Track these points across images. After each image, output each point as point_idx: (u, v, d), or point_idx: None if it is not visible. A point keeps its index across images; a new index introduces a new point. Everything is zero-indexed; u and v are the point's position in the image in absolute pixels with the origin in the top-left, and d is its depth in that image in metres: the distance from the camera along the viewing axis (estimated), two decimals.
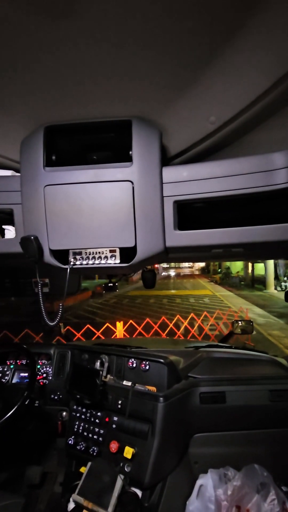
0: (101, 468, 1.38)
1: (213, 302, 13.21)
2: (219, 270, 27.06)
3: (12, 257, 1.07)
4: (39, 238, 0.94)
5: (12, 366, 1.86)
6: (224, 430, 1.60)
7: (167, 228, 0.91)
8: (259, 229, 0.86)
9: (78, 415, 1.61)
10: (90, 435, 1.52)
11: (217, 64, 0.70)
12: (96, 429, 1.51)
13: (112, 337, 6.05)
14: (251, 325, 2.25)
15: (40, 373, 1.83)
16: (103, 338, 5.76)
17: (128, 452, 1.34)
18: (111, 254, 0.97)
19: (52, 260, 0.97)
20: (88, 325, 6.34)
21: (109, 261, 0.97)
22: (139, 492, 1.33)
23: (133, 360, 1.59)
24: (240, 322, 2.26)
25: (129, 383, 1.50)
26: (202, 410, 1.54)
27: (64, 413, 1.73)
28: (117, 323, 6.42)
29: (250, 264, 21.19)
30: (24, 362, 1.87)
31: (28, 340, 6.10)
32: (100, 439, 1.48)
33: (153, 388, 1.48)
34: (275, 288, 17.00)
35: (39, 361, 1.88)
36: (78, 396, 1.54)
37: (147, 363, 1.55)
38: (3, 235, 1.06)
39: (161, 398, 1.37)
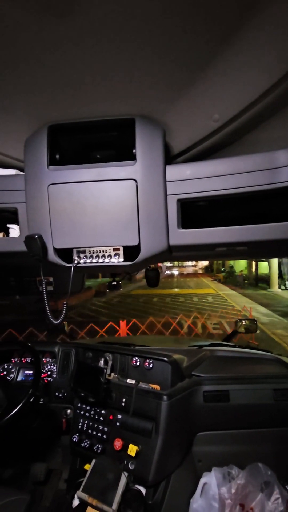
0: (105, 466, 1.39)
1: (217, 301, 13.18)
2: (223, 269, 26.96)
3: (17, 255, 1.08)
4: (43, 236, 0.95)
5: (17, 364, 1.88)
6: (228, 429, 1.60)
7: (170, 227, 0.91)
8: (263, 227, 0.86)
9: (82, 412, 1.62)
10: (94, 433, 1.53)
11: (219, 62, 0.70)
12: (100, 427, 1.52)
13: (116, 335, 6.07)
14: (254, 324, 2.24)
15: (44, 371, 1.85)
16: (106, 336, 5.79)
17: (132, 449, 1.35)
18: (114, 252, 0.97)
19: (56, 259, 0.98)
20: (91, 324, 6.37)
21: (112, 260, 0.97)
22: (143, 490, 1.34)
23: (136, 358, 1.60)
24: (243, 321, 2.25)
25: (133, 381, 1.51)
26: (206, 408, 1.54)
27: (69, 411, 1.74)
28: (121, 322, 6.43)
29: (253, 263, 21.09)
30: (28, 360, 1.88)
31: (33, 338, 6.15)
32: (104, 436, 1.49)
33: (156, 387, 1.48)
34: (279, 287, 16.90)
35: (44, 359, 1.89)
36: (82, 394, 1.55)
37: (150, 361, 1.55)
38: (7, 233, 1.07)
39: (165, 397, 1.37)
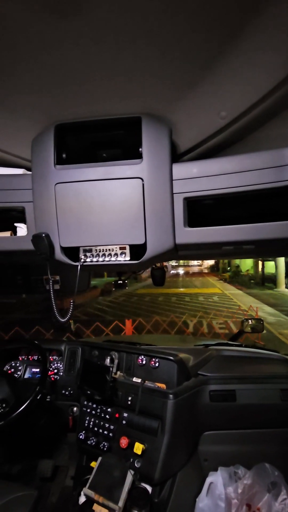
0: (111, 463, 1.39)
1: (223, 300, 13.10)
2: (229, 268, 26.79)
3: (24, 254, 1.09)
4: (50, 235, 0.96)
5: (24, 362, 1.90)
6: (234, 429, 1.60)
7: (177, 225, 0.91)
8: (271, 225, 0.85)
9: (88, 410, 1.63)
10: (101, 431, 1.53)
11: (228, 58, 0.70)
12: (106, 425, 1.53)
13: (121, 334, 6.09)
14: (261, 323, 2.22)
15: (51, 369, 1.86)
16: (112, 335, 5.80)
17: (138, 448, 1.35)
18: (121, 251, 0.97)
19: (63, 257, 0.98)
20: (97, 323, 6.40)
21: (119, 258, 0.97)
22: (149, 488, 1.34)
23: (142, 357, 1.60)
24: (250, 321, 2.24)
25: (139, 380, 1.51)
26: (212, 408, 1.54)
27: (75, 409, 1.76)
28: (126, 321, 6.45)
29: (260, 262, 20.90)
30: (35, 357, 1.90)
31: (39, 336, 6.21)
32: (110, 434, 1.50)
33: (162, 385, 1.48)
34: (286, 287, 16.71)
35: (50, 357, 1.91)
36: (88, 392, 1.56)
37: (156, 360, 1.55)
38: (15, 232, 1.08)
39: (171, 395, 1.37)
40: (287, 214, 0.86)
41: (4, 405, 1.37)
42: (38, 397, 1.42)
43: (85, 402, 1.66)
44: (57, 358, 1.90)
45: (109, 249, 0.98)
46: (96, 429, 1.56)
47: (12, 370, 1.87)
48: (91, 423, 1.59)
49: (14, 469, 1.96)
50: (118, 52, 0.68)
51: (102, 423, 1.55)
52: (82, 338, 2.36)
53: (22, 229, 1.08)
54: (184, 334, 6.60)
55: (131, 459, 1.38)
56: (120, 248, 0.98)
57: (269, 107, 0.80)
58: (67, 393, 1.78)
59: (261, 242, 0.90)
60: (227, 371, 1.65)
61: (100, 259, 0.98)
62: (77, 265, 0.99)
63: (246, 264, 23.61)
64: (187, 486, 1.43)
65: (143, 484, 1.35)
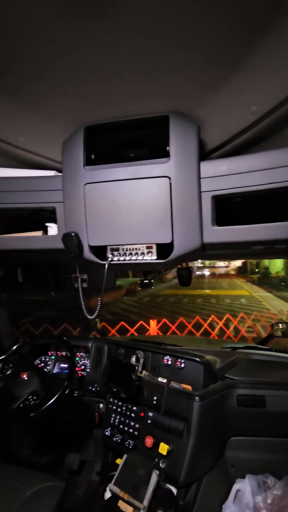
0: (136, 462, 1.40)
1: (251, 303, 12.64)
2: (257, 270, 25.80)
3: (54, 252, 1.13)
4: (79, 234, 0.99)
5: (53, 357, 1.97)
6: (263, 436, 1.53)
7: (204, 224, 0.89)
8: None
9: (114, 407, 1.66)
10: (126, 428, 1.55)
11: (259, 52, 0.67)
12: (132, 423, 1.54)
13: (145, 334, 6.11)
14: None
15: (78, 365, 1.92)
16: (136, 335, 5.85)
17: (163, 448, 1.34)
18: (147, 250, 0.98)
19: (91, 256, 1.01)
20: (122, 322, 6.48)
21: (145, 257, 0.98)
22: (173, 489, 1.33)
23: (168, 357, 1.59)
24: (280, 325, 2.14)
25: (164, 380, 1.50)
26: (240, 412, 1.49)
27: (101, 405, 1.79)
28: (151, 321, 6.46)
29: None
30: (64, 353, 1.97)
31: (67, 333, 6.42)
32: (136, 433, 1.51)
33: (188, 387, 1.46)
34: None
35: (78, 354, 1.96)
36: (114, 390, 1.58)
37: (182, 361, 1.53)
38: (46, 232, 1.12)
39: (197, 397, 1.35)
40: None
41: (35, 397, 1.43)
42: (66, 392, 1.46)
43: (111, 399, 1.69)
44: (84, 355, 1.95)
45: (136, 248, 0.99)
46: (121, 426, 1.58)
47: (42, 364, 1.95)
48: (117, 420, 1.61)
49: (42, 460, 2.04)
50: (146, 54, 0.68)
51: (127, 421, 1.57)
52: (108, 337, 2.40)
53: (52, 229, 1.13)
54: (210, 336, 6.47)
55: (156, 459, 1.38)
56: (147, 247, 0.98)
57: None
58: (93, 389, 1.82)
59: None
60: (255, 375, 1.59)
61: (127, 258, 0.99)
62: (105, 264, 1.01)
63: (276, 265, 22.58)
64: (213, 491, 1.39)
65: (168, 485, 1.34)
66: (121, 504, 1.30)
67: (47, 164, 1.10)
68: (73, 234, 0.98)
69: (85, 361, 1.92)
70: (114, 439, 1.56)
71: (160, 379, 1.53)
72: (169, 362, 1.58)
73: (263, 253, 1.13)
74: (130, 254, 0.99)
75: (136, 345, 1.75)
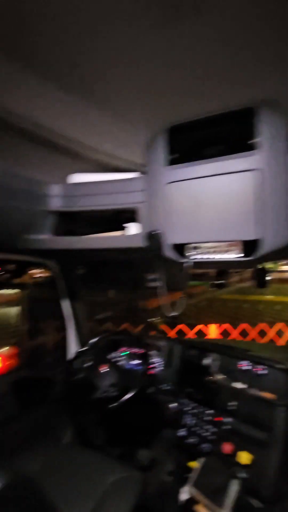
0: (214, 467, 1.36)
1: None
2: None
3: (134, 251, 1.18)
4: (160, 233, 1.01)
5: (124, 354, 2.05)
6: None
7: None
8: None
9: (187, 409, 1.63)
10: (201, 432, 1.51)
11: None
12: (207, 427, 1.50)
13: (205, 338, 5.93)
14: None
15: (151, 364, 1.95)
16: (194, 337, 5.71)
17: (244, 457, 1.27)
18: (230, 247, 0.95)
19: (171, 254, 1.02)
20: (183, 325, 6.40)
21: (228, 255, 0.95)
22: (256, 504, 1.24)
23: (246, 362, 1.51)
24: None
25: (244, 386, 1.43)
26: None
27: (173, 405, 1.79)
28: (212, 325, 6.25)
29: None
30: (135, 351, 2.03)
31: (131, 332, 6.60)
32: (212, 437, 1.46)
33: (269, 395, 1.36)
34: None
35: (150, 352, 2.00)
36: (187, 391, 1.56)
37: (262, 367, 1.44)
38: (128, 231, 1.18)
39: (282, 408, 1.24)
40: None
41: (113, 389, 1.51)
42: (140, 388, 1.50)
43: (185, 401, 1.67)
44: (156, 353, 1.98)
45: (218, 246, 0.97)
46: (196, 429, 1.54)
47: (115, 359, 2.05)
48: (191, 422, 1.58)
49: (114, 452, 2.12)
50: (228, 46, 0.66)
51: (202, 424, 1.53)
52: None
53: (130, 229, 1.18)
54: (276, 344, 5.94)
55: (235, 468, 1.31)
56: (229, 245, 0.95)
57: None
58: (165, 388, 1.83)
59: None
60: None
61: (210, 256, 0.98)
62: (185, 262, 1.01)
63: None
64: None
65: (249, 497, 1.26)
66: (199, 508, 1.27)
67: (130, 166, 1.16)
68: (155, 232, 1.01)
69: (158, 359, 1.95)
70: (189, 441, 1.54)
71: (237, 384, 1.46)
72: (247, 368, 1.50)
73: None
74: (213, 252, 0.97)
75: (210, 347, 1.70)
